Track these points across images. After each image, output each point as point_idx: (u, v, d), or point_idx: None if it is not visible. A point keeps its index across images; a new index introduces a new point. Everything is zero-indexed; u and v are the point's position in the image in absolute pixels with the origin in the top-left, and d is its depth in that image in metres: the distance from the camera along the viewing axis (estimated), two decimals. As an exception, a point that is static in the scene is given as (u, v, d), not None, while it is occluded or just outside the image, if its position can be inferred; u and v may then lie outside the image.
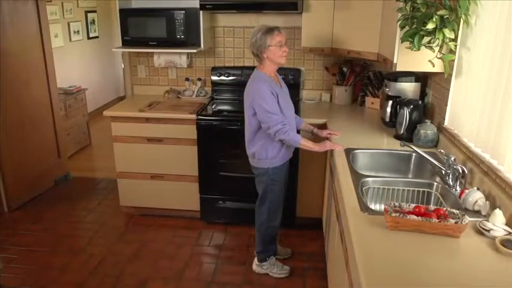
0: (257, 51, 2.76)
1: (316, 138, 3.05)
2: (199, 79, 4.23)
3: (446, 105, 2.68)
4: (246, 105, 2.87)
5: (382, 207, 2.16)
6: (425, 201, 2.25)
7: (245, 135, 2.98)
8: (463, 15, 2.33)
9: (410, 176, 2.68)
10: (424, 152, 2.44)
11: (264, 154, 2.90)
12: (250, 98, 2.79)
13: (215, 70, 4.12)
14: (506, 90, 1.90)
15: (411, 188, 2.27)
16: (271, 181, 2.98)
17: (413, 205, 1.85)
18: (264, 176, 2.98)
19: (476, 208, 1.91)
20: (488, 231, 1.72)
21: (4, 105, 4.05)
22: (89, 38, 7.42)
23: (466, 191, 1.97)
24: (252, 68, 2.97)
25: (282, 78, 3.06)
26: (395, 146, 2.77)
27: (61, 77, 5.54)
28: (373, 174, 2.54)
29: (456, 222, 1.69)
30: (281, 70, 3.21)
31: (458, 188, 2.13)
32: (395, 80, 3.20)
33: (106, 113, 3.78)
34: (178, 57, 4.09)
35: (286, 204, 3.23)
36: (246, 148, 3.00)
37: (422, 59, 2.63)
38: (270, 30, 2.70)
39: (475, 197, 1.92)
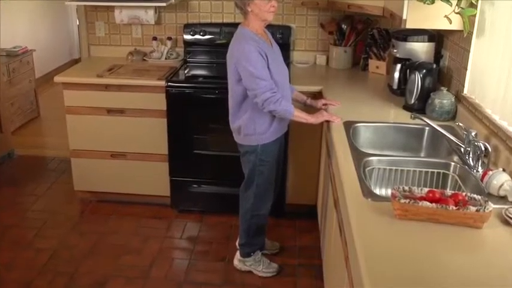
0: (240, 3, 2.77)
1: (310, 110, 3.02)
2: (169, 38, 4.19)
3: (466, 69, 2.68)
4: (229, 70, 2.86)
5: (389, 192, 2.15)
6: (441, 185, 2.25)
7: (229, 106, 2.97)
8: (488, -41, 2.29)
9: (422, 154, 2.69)
10: (439, 125, 2.44)
11: (251, 128, 2.89)
12: (234, 60, 2.79)
13: (188, 27, 4.08)
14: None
15: (424, 169, 2.27)
16: (259, 161, 2.96)
17: (426, 189, 1.85)
18: (252, 155, 2.96)
19: (501, 193, 1.90)
20: (516, 220, 1.71)
21: None
22: (37, -12, 7.35)
23: (490, 172, 1.96)
24: (232, 25, 2.96)
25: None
26: (405, 118, 2.77)
27: (3, 36, 5.56)
28: (378, 152, 2.55)
29: (478, 210, 1.68)
30: (268, 28, 3.17)
31: (480, 169, 2.12)
32: (405, 40, 3.20)
33: (57, 78, 3.77)
34: (144, 11, 4.03)
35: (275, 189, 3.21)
36: (230, 122, 2.99)
37: (437, 14, 2.62)
38: None
39: (501, 180, 1.91)
